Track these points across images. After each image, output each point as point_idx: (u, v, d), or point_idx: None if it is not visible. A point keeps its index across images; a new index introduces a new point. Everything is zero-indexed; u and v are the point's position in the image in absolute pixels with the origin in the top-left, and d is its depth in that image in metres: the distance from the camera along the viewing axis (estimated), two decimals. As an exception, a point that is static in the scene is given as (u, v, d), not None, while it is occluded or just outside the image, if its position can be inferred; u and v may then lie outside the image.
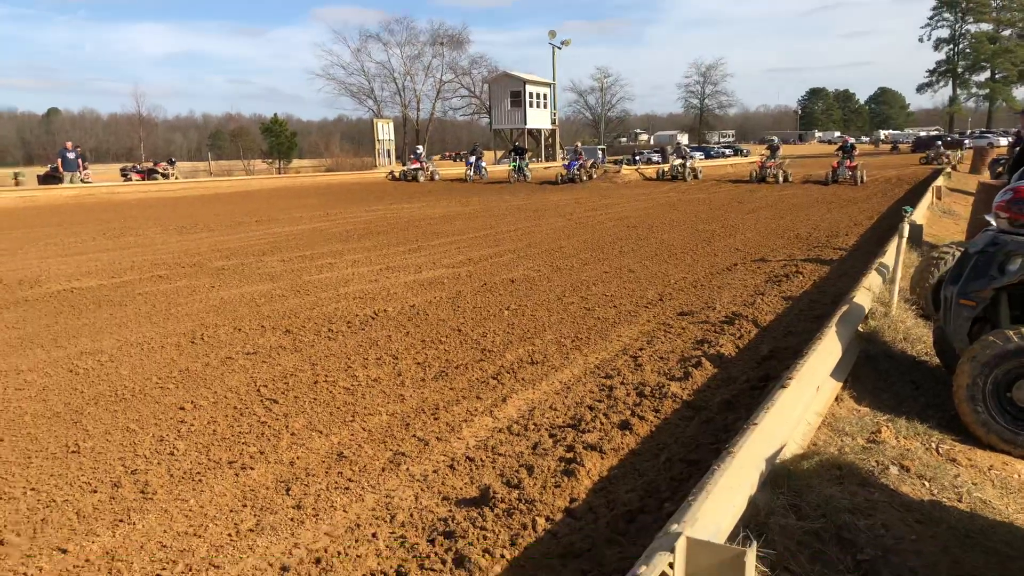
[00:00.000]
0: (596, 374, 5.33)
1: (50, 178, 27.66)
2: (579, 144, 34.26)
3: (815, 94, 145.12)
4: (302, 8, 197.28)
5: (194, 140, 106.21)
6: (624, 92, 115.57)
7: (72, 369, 5.69)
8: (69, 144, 27.58)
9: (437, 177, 34.18)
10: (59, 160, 26.42)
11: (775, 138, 31.48)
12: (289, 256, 11.25)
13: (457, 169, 39.09)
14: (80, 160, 26.95)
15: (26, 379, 5.47)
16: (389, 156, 44.18)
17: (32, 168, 43.80)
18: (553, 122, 57.22)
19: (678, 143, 34.94)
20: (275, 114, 79.07)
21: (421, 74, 72.62)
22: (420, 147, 38.67)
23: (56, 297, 8.42)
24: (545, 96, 55.35)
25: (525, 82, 53.13)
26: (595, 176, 30.96)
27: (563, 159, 40.60)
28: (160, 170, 38.22)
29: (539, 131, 55.69)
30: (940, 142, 53.52)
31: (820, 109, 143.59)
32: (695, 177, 30.50)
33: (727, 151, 74.52)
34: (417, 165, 34.43)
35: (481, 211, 18.57)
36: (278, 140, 69.43)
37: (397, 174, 35.40)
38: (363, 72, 71.77)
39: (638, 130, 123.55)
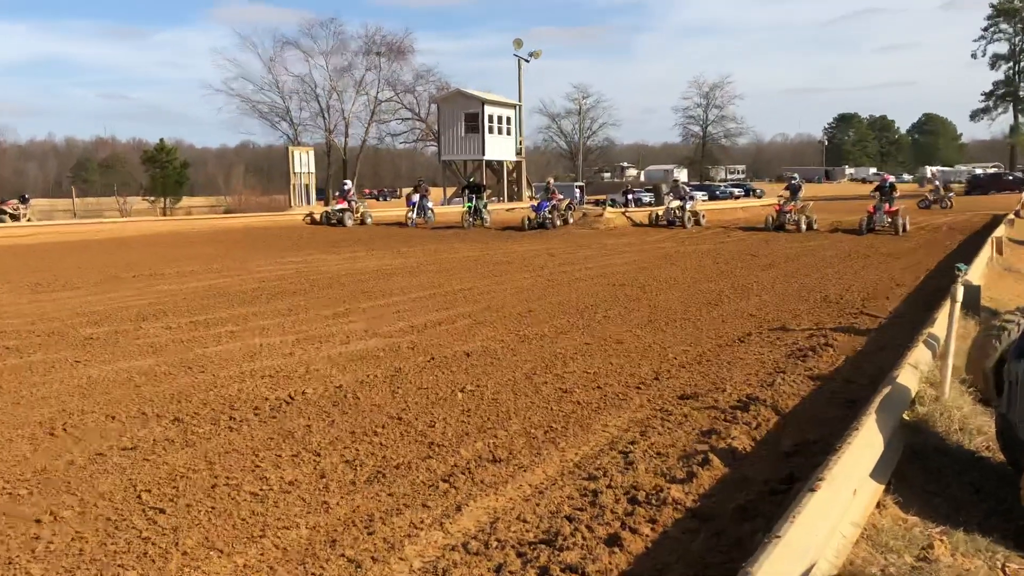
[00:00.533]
0: (576, 475, 5.38)
1: None
2: (551, 180, 34.59)
3: (845, 121, 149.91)
4: (198, 4, 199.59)
5: (53, 171, 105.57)
6: (608, 116, 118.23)
7: None
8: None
9: (369, 220, 34.50)
10: None
11: (796, 176, 32.27)
12: (178, 322, 11.20)
13: (393, 210, 39.36)
14: None
15: None
16: (308, 194, 44.32)
17: None
18: (519, 152, 58.16)
19: (675, 180, 36.03)
20: (160, 139, 79.23)
21: (351, 91, 73.41)
22: (348, 182, 38.94)
23: None
24: (509, 120, 56.36)
25: (484, 102, 54.10)
26: (571, 220, 31.47)
27: (531, 199, 40.88)
28: (9, 210, 37.82)
29: (501, 163, 56.50)
30: (932, 172, 55.65)
31: (851, 140, 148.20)
32: (697, 223, 31.23)
33: (736, 190, 76.31)
34: (343, 205, 34.65)
35: (427, 264, 18.71)
36: (164, 172, 69.39)
37: (318, 216, 35.40)
38: (277, 87, 72.26)
39: (625, 163, 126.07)
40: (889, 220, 26.38)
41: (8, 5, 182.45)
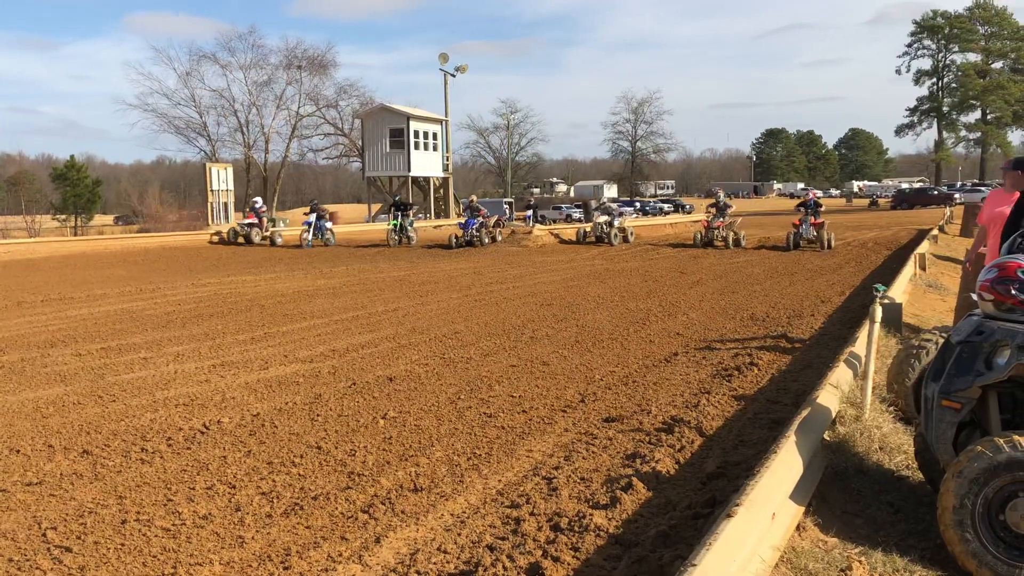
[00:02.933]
0: (499, 503, 5.42)
1: None
2: (474, 197, 34.51)
3: (773, 136, 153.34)
4: (110, 15, 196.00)
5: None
6: (537, 131, 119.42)
7: None
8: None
9: (279, 240, 33.79)
10: None
11: (721, 192, 32.82)
12: (88, 348, 10.98)
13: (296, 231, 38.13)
14: None
15: None
16: (227, 211, 43.77)
17: None
18: (446, 168, 58.28)
19: (603, 199, 35.99)
20: (71, 155, 77.55)
21: (271, 106, 72.67)
22: (259, 199, 37.73)
23: None
24: (435, 135, 56.47)
25: (409, 117, 54.17)
26: (500, 238, 31.84)
27: (458, 216, 40.24)
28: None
29: (427, 180, 56.57)
30: (809, 192, 57.17)
31: (780, 155, 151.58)
32: (625, 240, 31.63)
33: (665, 206, 77.61)
34: (253, 220, 34.05)
35: (351, 285, 18.62)
36: (75, 190, 67.90)
37: (225, 233, 34.92)
38: (193, 102, 71.15)
39: (555, 179, 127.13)
40: (815, 233, 27.21)
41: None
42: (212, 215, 42.90)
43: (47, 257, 29.22)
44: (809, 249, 26.87)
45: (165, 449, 6.63)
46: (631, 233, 32.36)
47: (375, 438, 6.87)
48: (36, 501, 5.55)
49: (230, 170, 46.43)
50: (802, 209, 28.30)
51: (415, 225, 34.33)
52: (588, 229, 32.84)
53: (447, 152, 59.18)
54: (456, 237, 30.53)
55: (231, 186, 44.94)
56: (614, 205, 35.48)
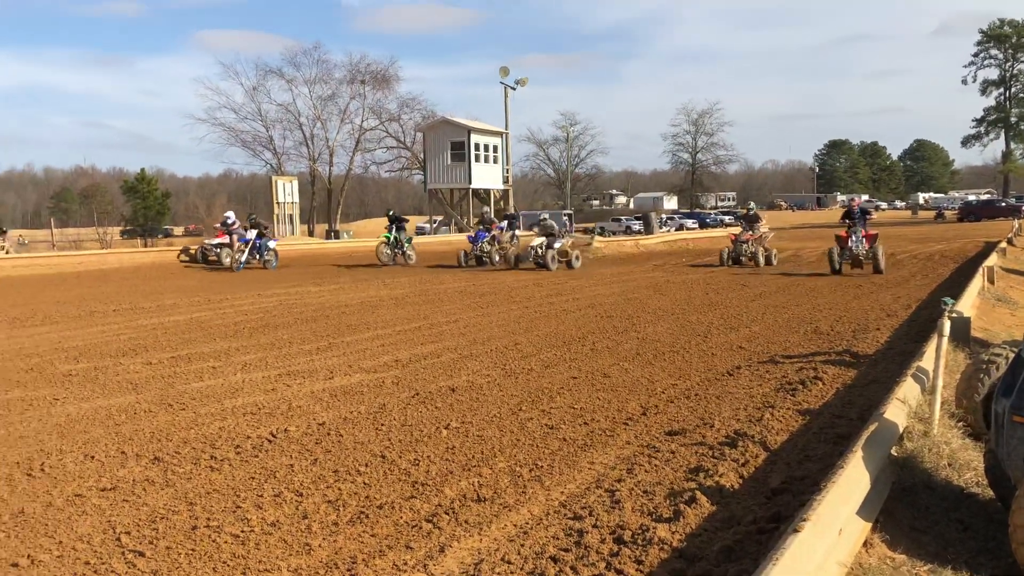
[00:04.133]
0: (562, 514, 5.42)
1: None
2: (486, 209, 32.02)
3: (836, 148, 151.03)
4: (180, 32, 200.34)
5: (32, 201, 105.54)
6: (596, 143, 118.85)
7: None
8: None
9: (273, 263, 29.59)
10: None
11: (753, 204, 30.48)
12: (158, 358, 11.20)
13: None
14: None
15: None
16: (292, 223, 44.43)
17: None
18: (506, 180, 58.42)
19: (542, 215, 30.61)
20: (142, 169, 79.48)
21: (336, 120, 73.83)
22: (231, 214, 32.03)
23: None
24: (495, 148, 56.66)
25: (470, 130, 54.42)
26: (515, 256, 27.90)
27: (474, 228, 34.51)
28: (-14, 241, 37.84)
29: (487, 191, 56.74)
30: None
31: (843, 166, 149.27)
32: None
33: (726, 218, 76.79)
34: (223, 239, 29.57)
35: (412, 296, 18.77)
36: (145, 202, 69.40)
37: (193, 251, 31.59)
38: (260, 116, 72.56)
39: (614, 191, 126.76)
40: (867, 249, 22.83)
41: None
42: (278, 227, 43.57)
43: (118, 268, 29.87)
44: (857, 273, 22.66)
45: (234, 457, 6.74)
46: (774, 255, 27.49)
47: (438, 448, 6.91)
48: (110, 506, 5.68)
49: (295, 183, 47.25)
50: (847, 220, 23.81)
51: (413, 242, 31.33)
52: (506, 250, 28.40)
53: (507, 164, 59.35)
54: (465, 253, 28.46)
55: (296, 198, 45.69)
56: (556, 224, 29.51)
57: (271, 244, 29.98)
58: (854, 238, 23.01)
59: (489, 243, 28.28)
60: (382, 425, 7.65)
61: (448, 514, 5.42)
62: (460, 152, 53.89)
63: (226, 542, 5.04)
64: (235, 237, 29.26)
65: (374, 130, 74.87)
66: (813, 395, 8.59)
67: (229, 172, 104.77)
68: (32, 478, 6.28)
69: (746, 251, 26.65)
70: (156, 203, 70.31)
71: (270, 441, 7.16)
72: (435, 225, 57.72)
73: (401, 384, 9.41)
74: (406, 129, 74.97)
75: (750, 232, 27.21)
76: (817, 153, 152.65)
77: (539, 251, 27.04)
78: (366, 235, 52.82)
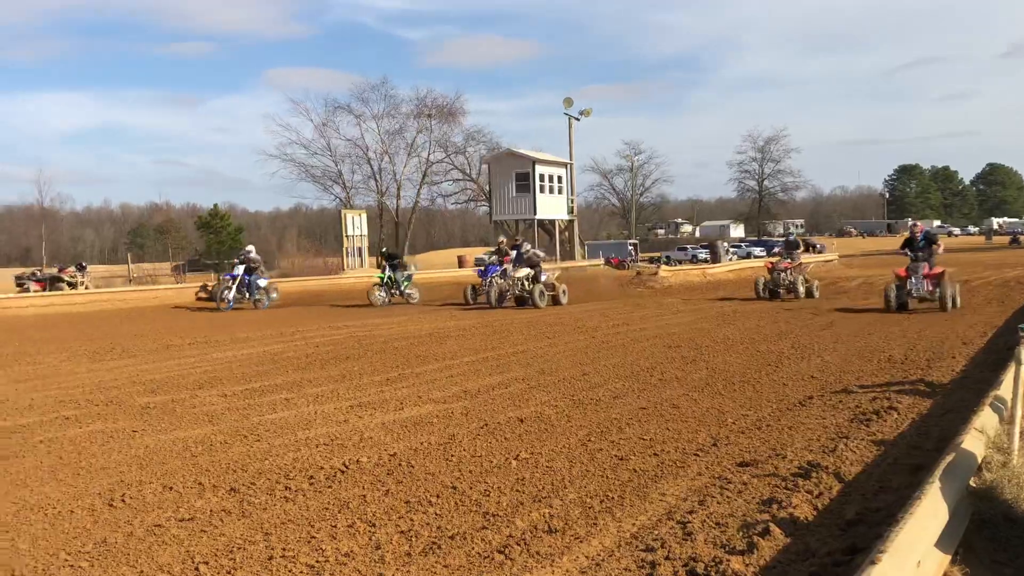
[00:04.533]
0: (633, 546, 5.39)
1: None
2: (503, 240, 27.65)
3: (906, 173, 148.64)
4: (250, 71, 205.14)
5: (109, 237, 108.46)
6: (660, 172, 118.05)
7: (-45, 542, 5.77)
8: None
9: (275, 295, 29.10)
10: None
11: (792, 230, 28.43)
12: (233, 390, 11.42)
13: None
14: None
15: None
16: (361, 256, 44.99)
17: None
18: (571, 211, 58.61)
19: (521, 241, 27.11)
20: (215, 204, 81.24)
21: (403, 153, 74.69)
22: (251, 248, 30.07)
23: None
24: (560, 178, 56.89)
25: (534, 161, 54.74)
26: (541, 297, 24.62)
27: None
28: (66, 277, 38.98)
29: (552, 222, 56.91)
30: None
31: (914, 192, 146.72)
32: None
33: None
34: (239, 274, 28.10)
35: (479, 327, 18.87)
36: (218, 237, 70.78)
37: (211, 287, 30.82)
38: (329, 151, 73.77)
39: (680, 220, 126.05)
40: (930, 289, 19.55)
41: (68, 76, 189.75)
42: (347, 259, 44.17)
43: (192, 302, 30.55)
44: (923, 310, 19.71)
45: (307, 487, 6.83)
46: (816, 284, 25.38)
47: (508, 479, 6.92)
48: (189, 536, 5.79)
49: (364, 216, 47.88)
50: (908, 252, 20.42)
51: (414, 279, 29.24)
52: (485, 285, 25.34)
53: (572, 195, 59.56)
54: (474, 288, 25.62)
55: (365, 231, 46.24)
56: (540, 253, 27.13)
57: (261, 282, 28.18)
58: (914, 279, 19.67)
59: (502, 277, 24.99)
60: (452, 456, 7.69)
61: (520, 545, 5.43)
62: (525, 183, 54.21)
63: (301, 572, 5.10)
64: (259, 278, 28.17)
65: (440, 163, 75.69)
66: (888, 425, 8.43)
67: (299, 206, 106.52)
68: (113, 508, 6.43)
69: (784, 281, 24.36)
70: (229, 238, 71.58)
71: (343, 472, 7.25)
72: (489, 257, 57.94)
73: (470, 415, 9.46)
74: (472, 161, 75.71)
75: (788, 260, 24.94)
76: (887, 178, 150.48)
77: (525, 284, 24.63)
78: (431, 267, 53.23)
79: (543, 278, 25.00)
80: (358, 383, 11.74)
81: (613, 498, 6.38)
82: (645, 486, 6.67)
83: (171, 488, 6.90)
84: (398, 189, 74.70)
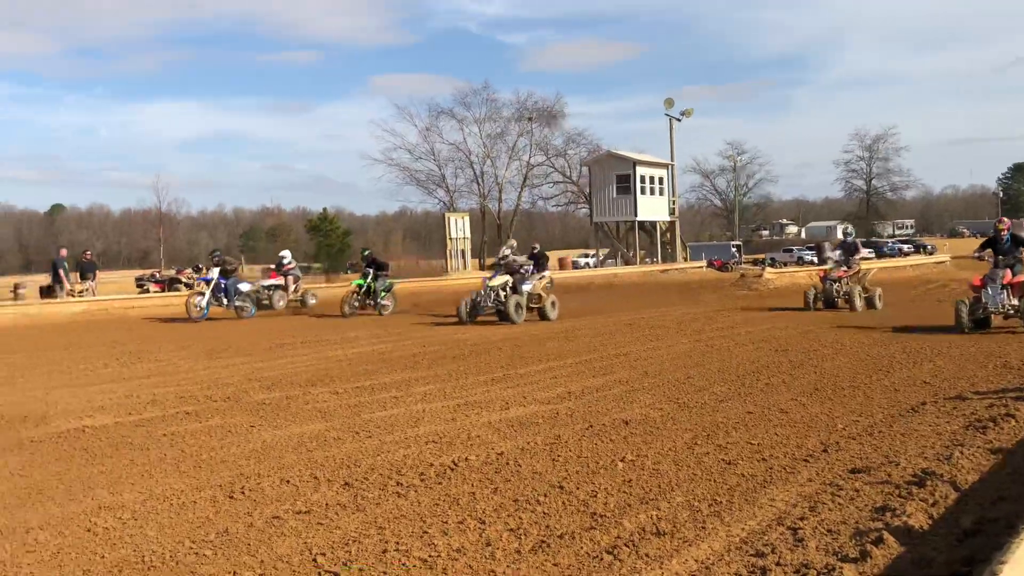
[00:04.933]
0: (743, 551, 5.33)
1: (51, 290, 29.79)
2: (513, 244, 23.80)
3: (1021, 171, 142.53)
4: (357, 78, 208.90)
5: (223, 240, 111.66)
6: (764, 172, 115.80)
7: (90, 528, 6.05)
8: (63, 251, 30.30)
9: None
10: (54, 270, 28.91)
11: (851, 231, 24.68)
12: (344, 387, 11.68)
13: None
14: (79, 269, 29.58)
15: (37, 538, 5.85)
16: (464, 258, 45.46)
17: (33, 277, 46.72)
18: (672, 212, 58.05)
19: (506, 250, 22.82)
20: (323, 208, 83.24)
21: (504, 157, 75.25)
22: (287, 253, 28.79)
23: (66, 438, 8.97)
24: (661, 180, 56.47)
25: (635, 163, 54.48)
26: (552, 309, 21.82)
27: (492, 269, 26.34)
28: (184, 279, 40.18)
29: (653, 224, 56.51)
30: (1004, 222, 50.65)
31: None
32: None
33: (905, 247, 73.61)
34: (277, 280, 27.30)
35: (580, 328, 18.87)
36: (327, 240, 72.34)
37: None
38: (433, 156, 74.81)
39: (784, 220, 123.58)
40: (1016, 304, 15.92)
41: (183, 85, 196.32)
42: (450, 260, 44.69)
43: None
44: (1008, 329, 16.17)
45: (418, 483, 6.95)
46: (875, 295, 22.34)
47: (615, 480, 6.92)
48: (306, 528, 5.95)
49: (467, 219, 48.40)
50: (985, 255, 17.52)
51: (393, 290, 26.05)
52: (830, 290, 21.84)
53: (673, 196, 59.01)
54: (470, 303, 21.15)
55: (468, 234, 46.74)
56: (521, 259, 22.79)
57: (243, 287, 25.17)
58: (990, 289, 15.97)
59: (502, 288, 21.24)
60: (558, 456, 7.72)
61: (628, 547, 5.42)
62: (625, 185, 54.02)
63: (415, 566, 5.20)
64: (290, 279, 27.12)
65: (541, 166, 76.04)
66: (1005, 433, 8.13)
67: (404, 210, 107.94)
68: (234, 500, 6.65)
69: (839, 292, 21.62)
70: (338, 240, 73.22)
71: (452, 469, 7.35)
72: (601, 259, 57.78)
73: (575, 416, 9.48)
74: (572, 164, 75.77)
75: (844, 268, 21.87)
76: (1000, 177, 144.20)
77: (500, 294, 21.02)
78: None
79: (525, 287, 21.50)
80: (463, 383, 11.88)
81: (721, 502, 6.32)
82: (754, 491, 6.59)
83: (288, 481, 7.11)
84: (500, 192, 75.37)
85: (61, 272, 28.60)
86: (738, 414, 9.38)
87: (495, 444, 8.23)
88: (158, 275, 43.67)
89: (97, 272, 31.34)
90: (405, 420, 9.46)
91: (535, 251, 26.33)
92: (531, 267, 23.69)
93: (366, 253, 26.73)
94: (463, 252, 45.62)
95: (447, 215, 49.02)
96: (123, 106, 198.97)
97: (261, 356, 15.47)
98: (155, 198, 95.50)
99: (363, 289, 24.86)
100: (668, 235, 57.97)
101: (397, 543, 5.58)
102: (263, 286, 27.11)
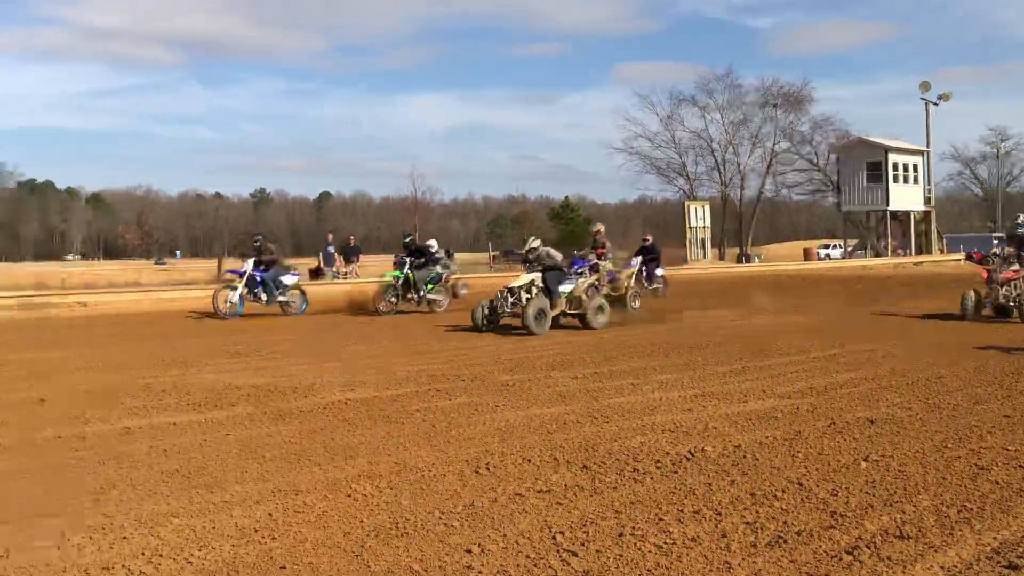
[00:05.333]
0: (995, 561, 5.02)
1: (318, 273, 32.02)
2: (599, 228, 22.89)
3: None
4: (600, 67, 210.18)
5: (472, 227, 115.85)
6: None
7: (350, 494, 6.52)
8: (330, 236, 32.58)
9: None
10: (321, 255, 31.12)
11: (1022, 221, 18.60)
12: (582, 372, 11.87)
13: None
14: (345, 253, 31.65)
15: (304, 501, 6.37)
16: (704, 247, 44.82)
17: (303, 260, 50.24)
18: (927, 201, 54.65)
19: (532, 243, 18.39)
20: (566, 197, 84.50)
21: (747, 144, 73.23)
22: (433, 242, 23.93)
23: (329, 409, 9.67)
24: (916, 167, 53.37)
25: (887, 149, 51.76)
26: (567, 313, 17.57)
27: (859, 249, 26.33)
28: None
29: (906, 214, 53.46)
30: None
31: None
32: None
33: None
34: (342, 269, 25.78)
35: (828, 321, 18.18)
36: (569, 227, 73.42)
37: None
38: (673, 144, 73.94)
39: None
40: None
41: (437, 78, 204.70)
42: (689, 248, 44.19)
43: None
44: None
45: (654, 471, 7.00)
46: None
47: (857, 480, 6.68)
48: (546, 507, 6.14)
49: (707, 207, 47.67)
50: None
51: (448, 282, 22.64)
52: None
53: (929, 184, 55.52)
54: (487, 306, 17.36)
55: (708, 223, 46.02)
56: (557, 255, 17.97)
57: (287, 279, 21.48)
58: None
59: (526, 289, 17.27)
60: (798, 452, 7.53)
61: (869, 548, 5.24)
62: (877, 173, 51.45)
63: (650, 551, 5.26)
64: (339, 265, 24.13)
65: (786, 153, 73.32)
66: None
67: (644, 198, 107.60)
68: (479, 475, 6.96)
69: (1008, 296, 17.57)
70: (579, 228, 74.11)
71: (688, 459, 7.34)
72: (850, 250, 55.31)
73: (816, 412, 9.19)
74: (819, 151, 72.52)
75: (1014, 268, 17.64)
76: None
77: (522, 296, 17.02)
78: (777, 259, 51.88)
79: (563, 288, 17.32)
80: (702, 373, 11.78)
81: (972, 509, 5.97)
82: (1009, 499, 6.17)
83: (529, 461, 7.34)
84: (742, 180, 73.35)
85: (328, 256, 30.74)
86: (994, 417, 8.77)
87: (732, 436, 8.13)
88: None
89: (360, 255, 33.42)
90: (642, 408, 9.52)
91: (646, 243, 25.37)
92: (589, 262, 19.96)
93: (407, 240, 23.42)
94: (703, 241, 45.00)
95: (687, 203, 48.48)
96: (383, 99, 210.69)
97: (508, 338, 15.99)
98: (411, 186, 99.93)
99: (400, 282, 21.75)
100: (923, 226, 54.68)
101: (633, 528, 5.65)
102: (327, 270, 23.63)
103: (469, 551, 5.31)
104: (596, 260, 20.42)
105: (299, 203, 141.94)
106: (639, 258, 26.75)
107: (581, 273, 18.46)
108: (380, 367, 12.54)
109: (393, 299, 21.58)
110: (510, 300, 17.08)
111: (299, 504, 6.31)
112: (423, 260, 22.12)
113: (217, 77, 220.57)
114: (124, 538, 5.62)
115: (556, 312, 17.14)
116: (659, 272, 27.35)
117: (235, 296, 20.68)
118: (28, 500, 6.49)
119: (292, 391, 10.69)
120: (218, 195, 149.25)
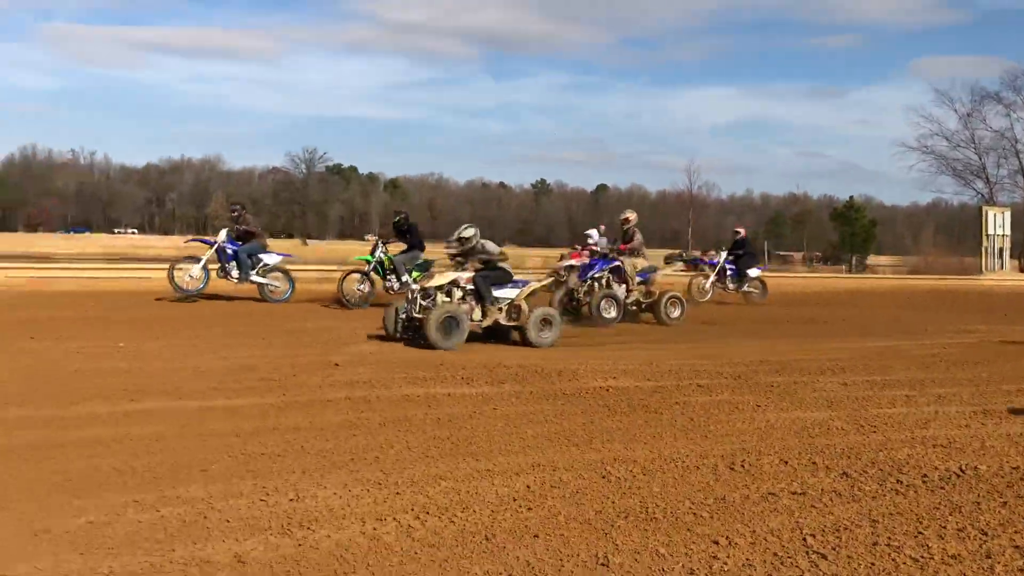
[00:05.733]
0: None
1: None
2: (631, 216, 19.52)
3: None
4: (896, 61, 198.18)
5: (751, 225, 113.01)
6: None
7: (605, 475, 6.71)
8: (602, 227, 32.95)
9: (286, 291, 19.06)
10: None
11: None
12: (853, 380, 11.41)
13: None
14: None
15: (561, 477, 6.63)
16: (1002, 257, 41.30)
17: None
18: None
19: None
20: (850, 197, 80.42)
21: (1058, 146, 66.40)
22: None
23: (591, 394, 9.92)
24: None
25: None
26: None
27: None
28: (706, 259, 41.61)
29: None
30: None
31: None
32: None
33: None
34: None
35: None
36: (851, 229, 69.96)
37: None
38: (973, 143, 68.34)
39: None
40: None
41: (722, 72, 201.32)
42: (985, 259, 40.88)
43: (831, 290, 30.78)
44: None
45: (919, 484, 6.66)
46: None
47: None
48: (799, 508, 6.03)
49: (1007, 214, 43.71)
50: None
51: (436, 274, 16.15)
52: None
53: None
54: (400, 310, 13.77)
55: (1008, 231, 42.28)
56: (493, 247, 14.67)
57: (269, 259, 18.76)
58: None
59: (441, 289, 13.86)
60: (1085, 480, 6.91)
61: None
62: None
63: (904, 563, 5.05)
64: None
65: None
66: None
67: (937, 201, 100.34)
68: (733, 471, 6.93)
69: None
70: (863, 230, 70.43)
71: (958, 475, 6.93)
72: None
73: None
74: None
75: None
76: None
77: (435, 299, 13.63)
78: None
79: (500, 294, 14.23)
80: (984, 389, 10.97)
81: None
82: None
83: (786, 462, 7.21)
84: (1048, 185, 66.74)
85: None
86: None
87: (1011, 457, 7.56)
88: (684, 255, 45.76)
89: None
90: (913, 420, 9.03)
91: (738, 236, 22.61)
92: (611, 262, 17.83)
93: (398, 220, 20.04)
94: (1001, 251, 41.42)
95: (985, 209, 44.69)
96: (664, 92, 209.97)
97: (778, 340, 15.63)
98: (687, 181, 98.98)
99: (371, 267, 18.86)
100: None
101: (889, 538, 5.45)
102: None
103: (716, 542, 5.34)
104: (618, 260, 17.94)
105: (577, 194, 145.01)
106: (723, 254, 23.72)
107: (577, 270, 17.09)
108: (646, 359, 12.66)
109: (363, 287, 18.76)
110: (419, 303, 13.59)
111: (556, 480, 6.58)
112: (415, 241, 19.40)
113: (506, 70, 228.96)
114: (397, 494, 6.14)
115: (488, 322, 14.15)
116: (753, 272, 24.01)
117: (197, 270, 17.96)
118: (319, 453, 7.20)
119: (557, 374, 11.05)
120: (502, 184, 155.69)
